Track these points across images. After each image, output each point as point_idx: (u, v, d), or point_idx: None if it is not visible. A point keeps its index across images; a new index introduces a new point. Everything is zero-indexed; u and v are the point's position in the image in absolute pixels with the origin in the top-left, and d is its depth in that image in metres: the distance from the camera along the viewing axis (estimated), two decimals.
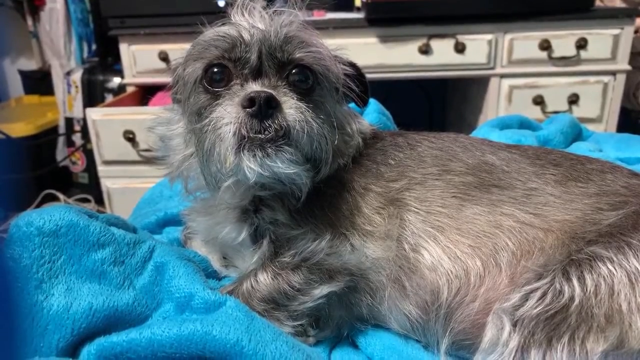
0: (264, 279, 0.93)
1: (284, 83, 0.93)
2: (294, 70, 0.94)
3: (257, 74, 0.92)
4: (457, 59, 2.51)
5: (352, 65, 1.08)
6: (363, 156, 1.05)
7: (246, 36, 0.91)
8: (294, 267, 0.93)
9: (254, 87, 0.90)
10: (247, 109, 0.85)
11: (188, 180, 1.06)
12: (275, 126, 0.86)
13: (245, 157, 0.86)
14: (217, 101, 0.91)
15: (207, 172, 0.94)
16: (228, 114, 0.87)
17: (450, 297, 0.92)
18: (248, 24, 0.93)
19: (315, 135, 0.91)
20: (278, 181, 0.91)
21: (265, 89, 0.88)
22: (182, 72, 1.00)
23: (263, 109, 0.85)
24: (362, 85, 1.09)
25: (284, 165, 0.87)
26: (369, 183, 1.00)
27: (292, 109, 0.89)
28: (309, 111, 0.90)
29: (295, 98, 0.91)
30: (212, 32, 0.95)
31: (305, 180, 0.91)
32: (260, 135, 0.85)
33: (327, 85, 0.99)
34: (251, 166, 0.86)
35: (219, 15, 0.99)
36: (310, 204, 0.96)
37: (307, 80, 0.95)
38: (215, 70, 0.93)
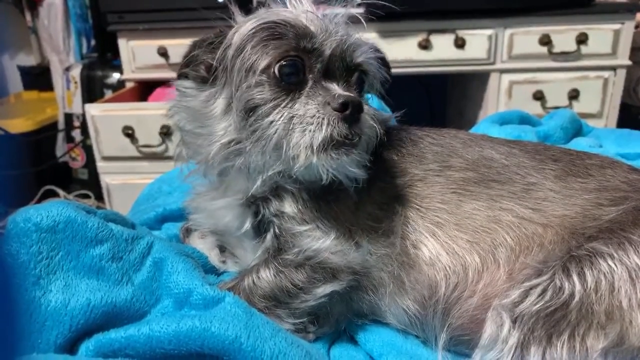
0: (266, 276, 0.93)
1: (353, 87, 0.93)
2: (355, 75, 0.95)
3: (326, 72, 0.91)
4: (457, 54, 2.50)
5: (376, 49, 1.06)
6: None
7: (314, 28, 0.90)
8: (297, 265, 0.92)
9: (336, 88, 0.89)
10: (338, 112, 0.85)
11: (213, 165, 0.99)
12: (358, 132, 0.87)
13: (328, 158, 0.86)
14: (287, 96, 0.89)
15: (260, 162, 0.91)
16: (317, 114, 0.86)
17: (448, 292, 0.92)
18: (312, 15, 0.92)
19: (371, 139, 0.94)
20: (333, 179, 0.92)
21: (352, 94, 0.88)
22: (231, 54, 0.93)
23: (355, 114, 0.86)
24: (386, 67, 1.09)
25: (358, 171, 0.91)
26: (374, 179, 0.99)
27: (367, 114, 0.90)
28: (375, 117, 0.92)
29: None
30: (273, 18, 0.91)
31: (358, 184, 0.94)
32: (346, 140, 0.86)
33: (371, 87, 1.02)
34: (329, 168, 0.87)
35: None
36: (317, 198, 0.95)
37: (363, 84, 0.97)
38: (288, 62, 0.89)
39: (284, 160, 0.89)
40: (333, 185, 0.94)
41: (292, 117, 0.87)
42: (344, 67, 0.92)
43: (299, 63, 0.89)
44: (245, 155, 0.93)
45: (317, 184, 0.93)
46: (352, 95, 0.87)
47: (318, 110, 0.86)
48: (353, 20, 0.98)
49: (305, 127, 0.86)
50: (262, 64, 0.89)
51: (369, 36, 2.47)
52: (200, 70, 0.99)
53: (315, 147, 0.85)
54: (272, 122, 0.87)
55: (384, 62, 1.07)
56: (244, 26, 0.94)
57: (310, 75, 0.90)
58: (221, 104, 0.96)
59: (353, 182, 0.93)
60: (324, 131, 0.85)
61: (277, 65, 0.89)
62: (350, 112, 0.85)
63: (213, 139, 0.96)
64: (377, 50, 1.04)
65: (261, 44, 0.90)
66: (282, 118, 0.87)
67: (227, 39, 0.95)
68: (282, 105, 0.88)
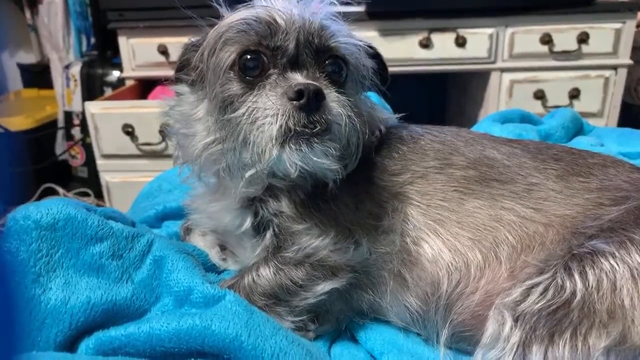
0: (266, 274, 0.93)
1: (323, 74, 0.90)
2: (328, 61, 0.91)
3: (294, 63, 0.89)
4: (458, 53, 2.50)
5: (370, 47, 1.05)
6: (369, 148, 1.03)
7: (281, 22, 0.88)
8: (296, 263, 0.92)
9: (297, 78, 0.87)
10: (295, 102, 0.82)
11: (204, 167, 1.00)
12: (322, 120, 0.84)
13: (290, 151, 0.83)
14: (253, 90, 0.88)
15: (235, 161, 0.91)
16: (273, 105, 0.84)
17: (450, 288, 0.92)
18: (282, 8, 0.90)
19: (353, 129, 0.89)
20: (311, 174, 0.89)
21: (312, 81, 0.85)
22: (206, 55, 0.94)
23: (312, 102, 0.82)
24: (381, 65, 1.07)
25: (328, 162, 0.86)
26: (373, 176, 0.99)
27: (334, 102, 0.87)
28: (349, 105, 0.88)
29: (335, 90, 0.89)
30: (244, 14, 0.91)
31: (339, 175, 0.90)
32: (306, 130, 0.83)
33: (356, 76, 0.97)
34: (295, 161, 0.84)
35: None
36: (315, 197, 0.94)
37: (341, 71, 0.93)
38: (250, 57, 0.88)
39: (252, 157, 0.87)
40: (329, 184, 0.93)
41: (254, 111, 0.85)
42: (312, 53, 0.90)
43: (261, 57, 0.89)
44: (225, 155, 0.92)
45: (306, 181, 0.92)
46: (309, 82, 0.84)
47: (274, 102, 0.84)
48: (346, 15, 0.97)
49: (264, 120, 0.84)
50: (228, 60, 0.89)
51: (370, 35, 2.47)
52: (191, 73, 1.00)
53: (274, 140, 0.83)
54: (239, 117, 0.87)
55: (377, 56, 1.05)
56: (219, 25, 0.94)
57: (276, 69, 0.89)
58: (205, 105, 0.97)
59: (332, 175, 0.89)
60: (278, 122, 0.83)
61: (240, 60, 0.89)
62: (305, 100, 0.82)
63: (197, 139, 0.97)
64: (368, 45, 1.03)
65: (228, 42, 0.90)
66: (246, 113, 0.86)
67: (206, 40, 0.96)
68: (248, 100, 0.87)
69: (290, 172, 0.85)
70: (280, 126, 0.83)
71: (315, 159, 0.85)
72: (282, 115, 0.83)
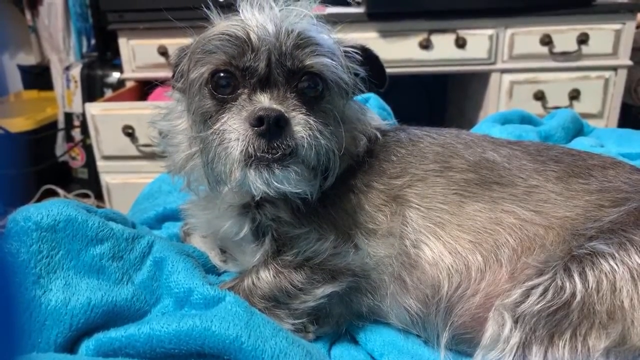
0: (266, 277, 0.93)
1: (293, 94, 0.89)
2: (304, 77, 0.91)
3: (265, 82, 0.88)
4: (458, 54, 2.50)
5: (364, 49, 1.05)
6: (366, 153, 1.03)
7: (255, 41, 0.87)
8: (296, 266, 0.93)
9: (262, 100, 0.87)
10: (255, 128, 0.83)
11: (190, 177, 1.03)
12: (283, 146, 0.84)
13: (251, 175, 0.85)
14: (223, 109, 0.88)
15: (211, 175, 0.92)
16: (235, 130, 0.85)
17: (451, 291, 0.92)
18: (257, 23, 0.89)
19: (323, 149, 0.89)
20: (283, 195, 0.90)
21: (274, 106, 0.85)
22: (186, 69, 0.96)
23: (272, 129, 0.83)
24: (377, 67, 1.06)
25: (290, 186, 0.86)
26: (372, 180, 0.99)
27: (300, 125, 0.87)
28: (317, 125, 0.88)
29: (304, 109, 0.88)
30: (220, 30, 0.91)
31: (312, 193, 0.91)
32: (267, 155, 0.84)
33: (336, 90, 0.96)
34: (257, 184, 0.85)
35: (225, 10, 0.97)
36: (313, 202, 0.94)
37: (317, 87, 0.92)
38: (222, 75, 0.89)
39: (220, 175, 0.88)
40: (329, 190, 0.95)
41: (222, 132, 0.86)
42: (284, 72, 0.89)
43: (233, 76, 0.89)
44: (203, 168, 0.93)
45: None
46: (272, 108, 0.84)
47: (237, 126, 0.85)
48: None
49: (229, 143, 0.85)
50: (202, 78, 0.91)
51: (369, 36, 2.47)
52: (180, 80, 1.01)
53: (236, 163, 0.85)
54: (209, 135, 0.88)
55: (372, 61, 1.05)
56: (200, 37, 0.95)
57: (246, 89, 0.89)
58: (186, 116, 0.99)
59: (302, 195, 0.90)
60: (239, 147, 0.84)
61: (212, 79, 0.90)
62: (265, 127, 0.82)
63: (181, 149, 0.99)
64: (360, 50, 1.02)
65: (202, 60, 0.91)
66: (216, 131, 0.87)
67: (190, 50, 0.97)
68: (219, 119, 0.88)
69: (254, 194, 0.87)
70: (242, 151, 0.84)
71: (277, 184, 0.85)
72: (243, 140, 0.84)
